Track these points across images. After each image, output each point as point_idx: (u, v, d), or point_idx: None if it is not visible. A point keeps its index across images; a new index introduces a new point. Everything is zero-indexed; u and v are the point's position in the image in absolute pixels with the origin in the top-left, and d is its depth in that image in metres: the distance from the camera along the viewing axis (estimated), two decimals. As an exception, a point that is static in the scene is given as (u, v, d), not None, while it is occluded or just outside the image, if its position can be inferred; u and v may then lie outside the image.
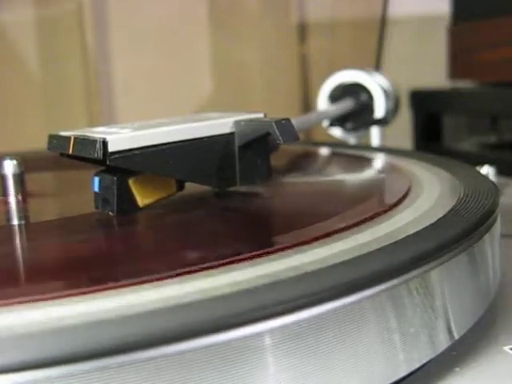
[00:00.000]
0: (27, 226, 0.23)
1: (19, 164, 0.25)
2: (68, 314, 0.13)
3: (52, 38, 0.63)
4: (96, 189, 0.21)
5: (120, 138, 0.20)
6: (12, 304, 0.14)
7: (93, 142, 0.20)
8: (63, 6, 0.63)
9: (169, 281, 0.15)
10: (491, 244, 0.20)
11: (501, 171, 0.32)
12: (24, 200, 0.25)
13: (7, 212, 0.24)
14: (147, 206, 0.22)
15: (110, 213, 0.21)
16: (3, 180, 0.25)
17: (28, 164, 0.26)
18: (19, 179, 0.25)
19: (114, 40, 0.65)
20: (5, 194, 0.25)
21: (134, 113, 0.65)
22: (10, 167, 0.25)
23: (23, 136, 0.61)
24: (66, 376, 0.12)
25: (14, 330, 0.12)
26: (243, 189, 0.24)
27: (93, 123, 0.63)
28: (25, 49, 0.63)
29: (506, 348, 0.18)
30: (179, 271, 0.15)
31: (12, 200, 0.25)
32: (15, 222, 0.23)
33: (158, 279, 0.15)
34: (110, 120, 0.65)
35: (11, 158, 0.25)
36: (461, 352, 0.18)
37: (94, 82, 0.64)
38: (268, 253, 0.16)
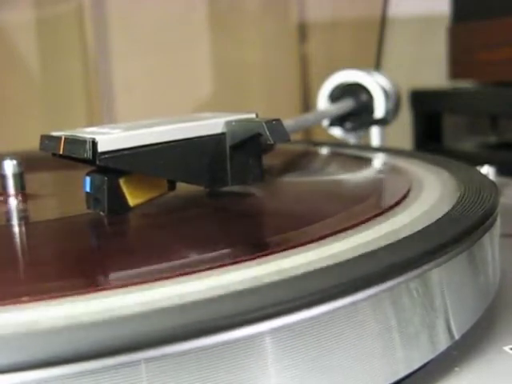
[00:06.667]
0: (27, 225, 0.23)
1: (19, 164, 0.25)
2: (67, 314, 0.13)
3: (52, 38, 0.63)
4: (87, 189, 0.22)
5: (110, 138, 0.21)
6: (11, 304, 0.14)
7: (83, 142, 0.20)
8: (63, 5, 0.63)
9: (166, 282, 0.15)
10: (491, 244, 0.20)
11: (501, 171, 0.32)
12: (24, 200, 0.25)
13: (7, 212, 0.24)
14: (138, 206, 0.22)
15: (101, 212, 0.21)
16: (3, 180, 0.25)
17: (28, 164, 0.26)
18: (19, 179, 0.25)
19: (113, 40, 0.65)
20: (5, 193, 0.25)
21: (134, 113, 0.65)
22: (9, 167, 0.25)
23: (23, 136, 0.61)
24: (65, 376, 0.12)
25: (13, 329, 0.12)
26: (237, 189, 0.24)
27: (93, 123, 0.63)
28: (25, 49, 0.63)
29: (506, 348, 0.18)
30: (176, 272, 0.15)
31: (12, 200, 0.25)
32: (15, 221, 0.23)
33: (155, 280, 0.15)
34: (110, 120, 0.65)
35: (11, 158, 0.25)
36: (461, 352, 0.18)
37: (94, 82, 0.64)
38: (267, 253, 0.16)
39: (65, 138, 0.21)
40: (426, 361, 0.16)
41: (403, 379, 0.16)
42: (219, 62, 0.68)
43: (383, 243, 0.17)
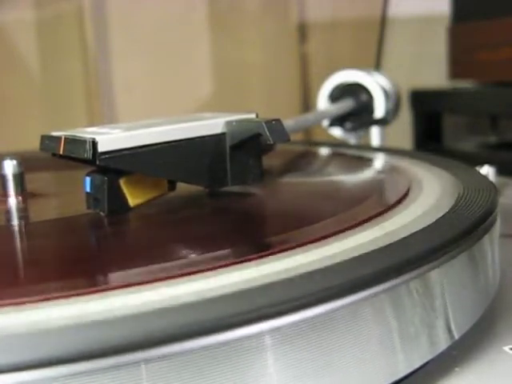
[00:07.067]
0: (27, 225, 0.23)
1: (19, 164, 0.25)
2: (67, 314, 0.13)
3: (52, 38, 0.63)
4: (87, 189, 0.22)
5: (110, 138, 0.21)
6: (11, 304, 0.14)
7: (83, 142, 0.20)
8: (63, 5, 0.63)
9: (167, 282, 0.15)
10: (491, 244, 0.20)
11: (501, 171, 0.32)
12: (24, 200, 0.25)
13: (7, 212, 0.24)
14: (138, 206, 0.22)
15: (101, 213, 0.21)
16: (3, 180, 0.25)
17: (28, 164, 0.26)
18: (19, 179, 0.25)
19: (114, 40, 0.65)
20: (5, 194, 0.25)
21: (134, 113, 0.65)
22: (9, 167, 0.25)
23: (23, 136, 0.61)
24: (65, 376, 0.12)
25: (12, 329, 0.12)
26: (237, 189, 0.24)
27: (93, 123, 0.63)
28: (25, 49, 0.63)
29: (506, 348, 0.19)
30: (177, 272, 0.15)
31: (12, 200, 0.25)
32: (15, 221, 0.23)
33: (156, 280, 0.15)
34: (110, 120, 0.65)
35: (11, 158, 0.25)
36: (461, 352, 0.18)
37: (94, 82, 0.64)
38: (268, 253, 0.16)
39: (65, 138, 0.21)
40: (425, 360, 0.16)
41: (403, 379, 0.16)
42: (219, 62, 0.68)
43: (383, 243, 0.17)
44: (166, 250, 0.18)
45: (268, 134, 0.22)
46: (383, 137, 0.45)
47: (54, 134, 0.22)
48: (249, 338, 0.13)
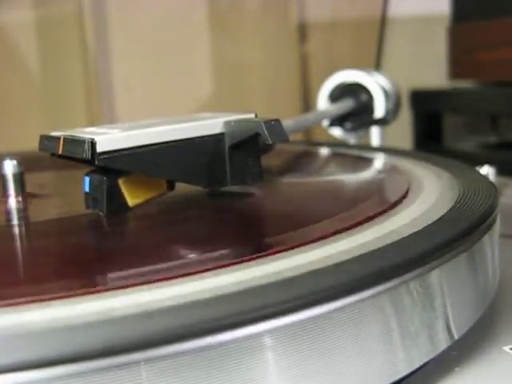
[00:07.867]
0: (27, 225, 0.23)
1: (19, 164, 0.25)
2: (67, 314, 0.13)
3: (52, 38, 0.63)
4: (86, 189, 0.22)
5: (109, 138, 0.21)
6: (10, 304, 0.14)
7: (81, 142, 0.20)
8: (63, 6, 0.63)
9: (165, 282, 0.15)
10: (491, 244, 0.20)
11: (501, 171, 0.32)
12: (24, 200, 0.25)
13: (7, 212, 0.24)
14: (137, 206, 0.22)
15: (100, 213, 0.21)
16: (3, 180, 0.25)
17: (28, 164, 0.26)
18: (19, 179, 0.25)
19: (114, 40, 0.65)
20: (5, 194, 0.25)
21: (134, 113, 0.65)
22: (10, 167, 0.25)
23: (23, 136, 0.61)
24: (66, 376, 0.12)
25: (12, 330, 0.12)
26: (236, 189, 0.24)
27: (93, 123, 0.63)
28: (25, 49, 0.63)
29: (506, 348, 0.18)
30: (176, 272, 0.15)
31: (12, 200, 0.25)
32: (15, 221, 0.23)
33: (155, 280, 0.15)
34: (110, 120, 0.65)
35: (11, 158, 0.25)
36: (461, 352, 0.18)
37: (94, 82, 0.64)
38: (266, 254, 0.16)
39: (64, 138, 0.21)
40: (425, 360, 0.16)
41: (403, 379, 0.16)
42: (219, 62, 0.68)
43: (383, 243, 0.17)
44: (165, 250, 0.18)
45: (267, 134, 0.21)
46: (383, 137, 0.45)
47: (53, 134, 0.22)
48: (248, 338, 0.13)
